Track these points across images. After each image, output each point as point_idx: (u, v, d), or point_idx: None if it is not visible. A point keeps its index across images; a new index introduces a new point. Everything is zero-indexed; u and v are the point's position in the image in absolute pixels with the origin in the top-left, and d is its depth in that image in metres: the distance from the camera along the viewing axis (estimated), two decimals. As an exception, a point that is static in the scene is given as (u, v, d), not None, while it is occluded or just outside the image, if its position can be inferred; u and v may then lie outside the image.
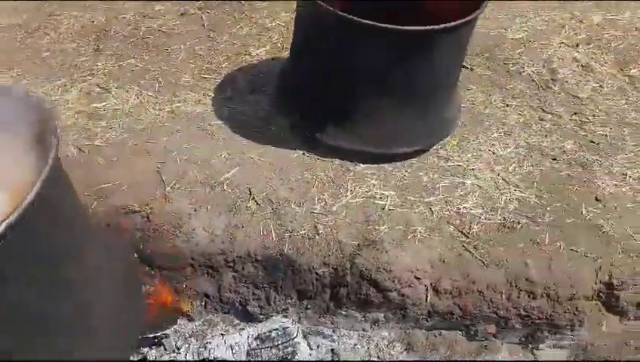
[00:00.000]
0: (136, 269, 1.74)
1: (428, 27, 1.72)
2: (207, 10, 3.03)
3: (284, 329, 1.75)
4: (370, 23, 1.75)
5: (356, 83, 1.97)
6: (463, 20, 1.75)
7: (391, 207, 1.96)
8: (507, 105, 2.45)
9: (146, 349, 1.74)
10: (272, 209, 1.93)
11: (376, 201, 1.98)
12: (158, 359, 1.67)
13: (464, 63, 2.64)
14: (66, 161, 2.05)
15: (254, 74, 2.59)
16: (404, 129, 2.06)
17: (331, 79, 2.02)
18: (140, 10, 2.99)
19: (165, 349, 1.74)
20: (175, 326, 1.85)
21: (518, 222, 1.92)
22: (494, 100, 2.48)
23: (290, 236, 1.85)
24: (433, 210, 1.96)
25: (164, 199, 1.93)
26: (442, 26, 1.72)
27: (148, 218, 1.87)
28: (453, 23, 1.72)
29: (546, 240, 1.87)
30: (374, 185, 2.04)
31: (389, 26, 1.74)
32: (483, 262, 1.82)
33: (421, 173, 2.11)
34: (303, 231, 1.87)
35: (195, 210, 1.90)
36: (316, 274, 1.82)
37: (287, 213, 1.92)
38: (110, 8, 2.97)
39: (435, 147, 2.22)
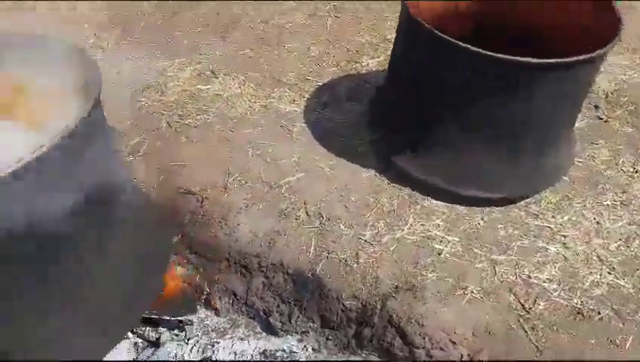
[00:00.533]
0: (162, 245, 1.76)
1: (524, 59, 1.47)
2: (337, 13, 3.02)
3: (290, 352, 1.65)
4: (461, 44, 1.55)
5: (440, 108, 1.78)
6: (566, 60, 1.46)
7: (448, 255, 1.73)
8: (636, 172, 2.02)
9: (164, 329, 1.77)
10: (320, 224, 1.82)
11: (434, 244, 1.76)
12: (166, 343, 1.69)
13: (599, 113, 2.25)
14: (153, 133, 2.19)
15: (358, 83, 2.50)
16: (487, 170, 1.81)
17: (416, 100, 1.85)
18: (275, 6, 3.08)
19: (182, 334, 1.75)
20: (202, 317, 1.85)
21: (599, 313, 1.56)
22: (622, 162, 2.06)
23: (327, 257, 1.74)
24: (497, 270, 1.69)
25: (223, 189, 1.95)
26: (542, 61, 1.45)
27: (201, 203, 1.90)
28: (554, 61, 1.44)
29: (628, 344, 1.49)
30: (438, 226, 1.82)
31: (480, 50, 1.52)
32: (537, 347, 1.51)
33: (499, 226, 1.83)
34: (343, 256, 1.73)
35: (246, 206, 1.89)
36: (343, 305, 1.68)
37: (333, 232, 1.80)
38: (248, 1, 3.11)
39: (527, 200, 1.91)
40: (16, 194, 1.11)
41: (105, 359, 1.57)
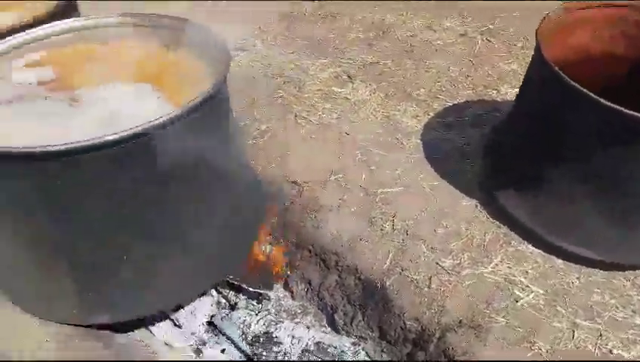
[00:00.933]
0: (255, 221, 1.93)
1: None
2: (488, 37, 2.94)
3: (341, 351, 1.70)
4: (589, 94, 1.45)
5: (558, 152, 1.67)
6: None
7: (526, 305, 1.62)
8: None
9: (243, 297, 1.94)
10: (403, 240, 1.84)
11: (515, 290, 1.66)
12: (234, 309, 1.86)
13: None
14: (280, 123, 2.39)
15: (488, 110, 2.43)
16: (595, 227, 1.65)
17: (535, 139, 1.76)
18: (429, 21, 3.10)
19: (257, 306, 1.91)
20: (280, 296, 2.00)
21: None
22: None
23: (400, 273, 1.75)
24: (576, 335, 1.54)
25: (322, 185, 2.06)
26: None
27: (300, 194, 2.04)
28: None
29: None
30: (526, 273, 1.71)
31: (606, 103, 1.41)
32: None
33: (595, 290, 1.66)
34: (416, 277, 1.73)
35: (338, 206, 1.98)
36: (404, 323, 1.68)
37: (413, 251, 1.80)
38: (400, 14, 3.18)
39: (638, 271, 1.70)
40: (158, 140, 1.34)
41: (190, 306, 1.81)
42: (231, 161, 1.76)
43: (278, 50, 2.92)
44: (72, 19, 1.80)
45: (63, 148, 1.22)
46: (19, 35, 1.74)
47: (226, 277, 1.90)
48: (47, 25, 1.78)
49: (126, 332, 1.77)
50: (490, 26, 3.01)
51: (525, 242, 1.81)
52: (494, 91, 2.54)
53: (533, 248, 1.79)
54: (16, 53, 1.74)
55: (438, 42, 2.92)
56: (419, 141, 2.27)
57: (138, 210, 1.46)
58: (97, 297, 1.56)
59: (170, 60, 1.74)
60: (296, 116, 2.42)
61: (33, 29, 1.76)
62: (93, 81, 1.63)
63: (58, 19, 1.83)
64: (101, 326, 1.65)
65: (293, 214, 2.00)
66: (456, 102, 2.49)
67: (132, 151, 1.31)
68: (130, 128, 1.27)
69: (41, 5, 1.98)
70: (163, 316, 1.84)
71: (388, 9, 3.22)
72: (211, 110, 1.52)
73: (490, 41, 2.91)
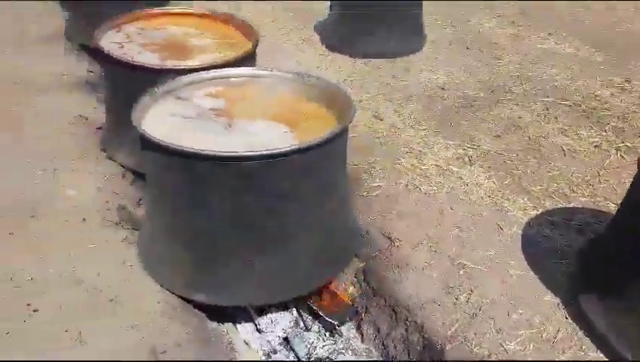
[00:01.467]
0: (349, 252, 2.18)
1: None
2: (623, 154, 2.91)
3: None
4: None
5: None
6: None
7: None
8: None
9: (319, 325, 2.16)
10: (473, 314, 1.93)
11: (572, 391, 1.66)
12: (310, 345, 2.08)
13: None
14: (392, 185, 2.63)
15: (601, 220, 2.41)
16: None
17: (623, 255, 1.77)
18: (565, 127, 3.16)
19: (327, 334, 2.12)
20: (350, 335, 2.18)
21: None
22: None
23: (461, 342, 1.84)
24: None
25: (413, 246, 2.24)
26: None
27: (391, 248, 2.24)
28: None
29: None
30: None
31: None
32: None
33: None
34: (476, 350, 1.81)
35: (422, 268, 2.14)
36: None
37: (480, 327, 1.88)
38: (538, 115, 3.28)
39: None
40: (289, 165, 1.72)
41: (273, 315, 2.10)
42: (338, 198, 2.05)
43: (411, 122, 3.21)
44: (244, 68, 2.30)
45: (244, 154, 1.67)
46: (207, 72, 2.28)
47: (312, 290, 2.12)
48: (228, 69, 2.30)
49: (217, 321, 2.10)
50: (629, 144, 2.98)
51: (598, 351, 1.79)
52: (614, 205, 2.52)
53: (604, 358, 1.76)
54: (203, 85, 2.27)
55: (568, 148, 2.96)
56: (519, 232, 2.34)
57: (259, 214, 1.81)
58: (206, 279, 1.92)
59: (305, 107, 2.13)
60: (408, 183, 2.65)
61: (219, 70, 2.29)
62: (246, 115, 2.07)
63: (239, 66, 2.35)
64: (200, 308, 2.00)
65: (380, 264, 2.20)
66: (569, 206, 2.51)
67: (269, 166, 1.69)
68: (275, 148, 1.66)
69: (230, 54, 2.54)
70: (249, 318, 2.14)
71: (527, 109, 3.35)
72: (332, 149, 1.85)
73: (624, 158, 2.88)
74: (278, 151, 1.68)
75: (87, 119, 3.03)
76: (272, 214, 1.83)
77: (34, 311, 1.84)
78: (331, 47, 4.13)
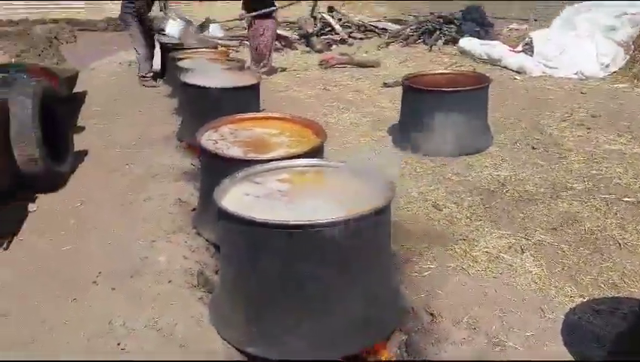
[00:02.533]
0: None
1: None
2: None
3: None
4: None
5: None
6: None
7: None
8: None
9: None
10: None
11: None
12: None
13: None
14: (442, 268, 2.84)
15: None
16: None
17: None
18: (624, 222, 3.19)
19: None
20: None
21: None
22: None
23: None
24: None
25: (454, 323, 2.39)
26: None
27: (432, 323, 2.41)
28: None
29: None
30: None
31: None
32: None
33: None
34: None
35: (460, 344, 2.27)
36: None
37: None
38: (597, 209, 3.34)
39: None
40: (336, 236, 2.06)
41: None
42: (382, 272, 2.32)
43: (468, 213, 3.42)
44: (309, 159, 2.74)
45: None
46: (279, 162, 2.75)
47: (353, 352, 2.31)
48: (296, 159, 2.76)
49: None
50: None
51: None
52: (667, 298, 2.50)
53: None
54: (275, 172, 2.73)
55: (625, 241, 2.99)
56: (561, 317, 2.41)
57: (305, 278, 2.12)
58: (257, 334, 2.23)
59: (354, 189, 2.48)
60: (457, 266, 2.84)
61: (288, 161, 2.76)
62: (306, 196, 2.47)
63: (304, 157, 2.80)
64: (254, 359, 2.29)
65: (421, 337, 2.37)
66: (617, 296, 2.54)
67: (315, 235, 2.03)
68: (321, 219, 2.02)
69: (294, 151, 3.01)
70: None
71: (586, 204, 3.44)
72: (375, 224, 2.17)
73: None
74: (322, 221, 2.03)
75: (184, 202, 3.61)
76: (317, 279, 2.14)
77: (122, 349, 2.25)
78: (401, 147, 4.53)
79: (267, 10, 7.44)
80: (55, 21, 12.32)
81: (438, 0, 12.34)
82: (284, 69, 8.04)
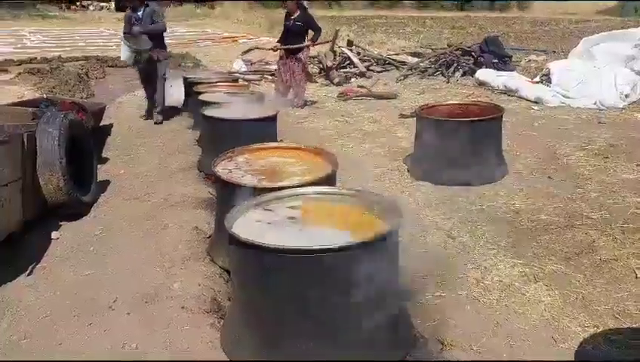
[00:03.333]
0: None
1: None
2: None
3: None
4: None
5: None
6: None
7: None
8: None
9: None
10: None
11: None
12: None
13: None
14: (452, 296, 2.83)
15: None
16: None
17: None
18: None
19: None
20: None
21: None
22: None
23: None
24: None
25: (463, 350, 2.38)
26: None
27: (442, 351, 2.40)
28: None
29: None
30: None
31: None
32: None
33: None
34: None
35: (468, 371, 2.26)
36: None
37: None
38: (614, 239, 3.30)
39: None
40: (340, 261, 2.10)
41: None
42: (388, 300, 2.33)
43: (481, 242, 3.41)
44: (319, 187, 2.80)
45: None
46: (290, 190, 2.82)
47: None
48: (306, 187, 2.82)
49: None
50: None
51: None
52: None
53: None
54: (286, 199, 2.79)
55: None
56: (574, 346, 2.37)
57: (313, 302, 2.15)
58: (268, 356, 2.26)
59: (364, 217, 2.53)
60: (469, 294, 2.83)
61: (299, 188, 2.82)
62: (316, 222, 2.53)
63: (316, 185, 2.86)
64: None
65: (430, 366, 2.36)
66: (632, 326, 2.49)
67: (320, 260, 2.08)
68: (336, 243, 2.07)
69: (306, 179, 3.08)
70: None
71: (603, 234, 3.40)
72: (383, 249, 2.20)
73: None
74: (330, 247, 2.08)
75: (200, 230, 3.69)
76: (326, 304, 2.17)
77: (134, 371, 2.30)
78: (416, 176, 4.57)
79: (302, 45, 7.69)
80: (86, 58, 12.83)
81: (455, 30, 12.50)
82: (313, 102, 8.19)
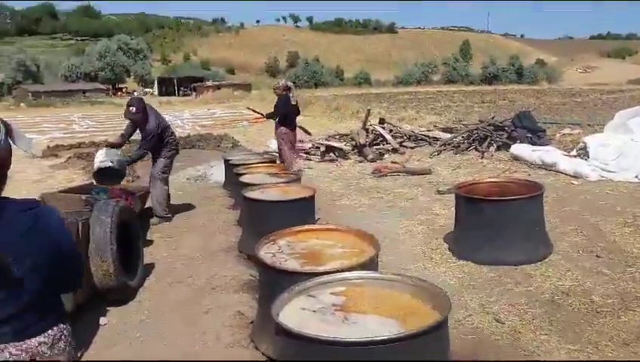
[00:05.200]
0: None
1: None
2: None
3: None
4: None
5: None
6: None
7: None
8: None
9: None
10: None
11: None
12: None
13: None
14: None
15: None
16: None
17: None
18: None
19: None
20: None
21: None
22: None
23: None
24: None
25: None
26: None
27: None
28: None
29: None
30: None
31: None
32: None
33: None
34: None
35: None
36: None
37: None
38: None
39: None
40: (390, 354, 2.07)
41: None
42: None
43: (532, 327, 3.29)
44: (363, 271, 2.81)
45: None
46: (333, 275, 2.83)
47: None
48: (350, 272, 2.83)
49: None
50: None
51: None
52: None
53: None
54: (329, 285, 2.80)
55: None
56: None
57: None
58: None
59: (410, 303, 2.50)
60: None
61: (342, 273, 2.84)
62: (361, 310, 2.51)
63: (359, 270, 2.87)
64: None
65: None
66: None
67: (370, 353, 2.05)
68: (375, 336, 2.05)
69: (353, 260, 3.10)
70: None
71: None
72: (432, 340, 2.16)
73: None
74: (376, 339, 2.05)
75: (243, 315, 3.70)
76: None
77: None
78: (458, 255, 4.51)
79: (273, 114, 8.28)
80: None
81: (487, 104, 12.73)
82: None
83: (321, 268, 3.05)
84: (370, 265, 3.08)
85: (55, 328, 1.66)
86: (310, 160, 10.72)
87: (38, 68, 56.56)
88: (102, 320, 3.61)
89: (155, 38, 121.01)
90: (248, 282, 4.34)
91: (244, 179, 5.99)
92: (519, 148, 8.51)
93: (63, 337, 1.69)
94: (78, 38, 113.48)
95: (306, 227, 3.78)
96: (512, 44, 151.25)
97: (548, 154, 7.97)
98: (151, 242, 5.47)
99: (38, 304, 1.60)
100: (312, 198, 5.05)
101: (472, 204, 4.39)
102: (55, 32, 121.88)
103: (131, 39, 66.56)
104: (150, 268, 4.62)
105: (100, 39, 73.56)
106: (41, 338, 1.61)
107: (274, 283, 3.07)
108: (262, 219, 4.83)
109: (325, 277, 2.81)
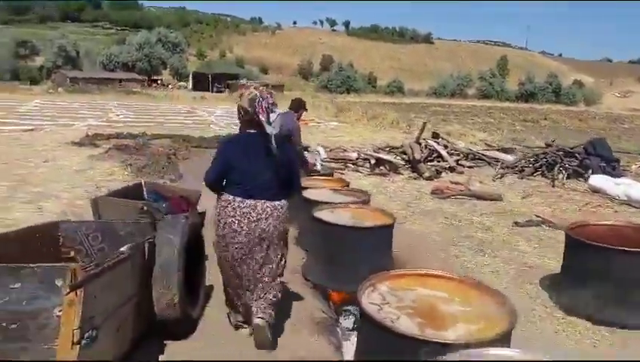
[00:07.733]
0: None
1: None
2: None
3: None
4: None
5: None
6: None
7: None
8: None
9: None
10: None
11: None
12: None
13: None
14: None
15: None
16: None
17: None
18: None
19: None
20: None
21: None
22: None
23: None
24: None
25: None
26: None
27: None
28: None
29: None
30: None
31: None
32: None
33: None
34: None
35: None
36: None
37: None
38: None
39: None
40: None
41: None
42: None
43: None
44: (504, 349, 2.18)
45: None
46: (469, 351, 2.21)
47: None
48: (487, 348, 2.21)
49: None
50: None
51: None
52: None
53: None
54: None
55: None
56: None
57: None
58: None
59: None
60: None
61: (476, 350, 2.21)
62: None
63: (496, 346, 2.24)
64: None
65: None
66: None
67: None
68: None
69: (478, 329, 2.47)
70: None
71: None
72: None
73: None
74: None
75: (324, 367, 3.10)
76: None
77: None
78: (568, 310, 3.82)
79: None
80: (171, 137, 13.13)
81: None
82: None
83: (446, 335, 2.43)
84: (504, 339, 2.45)
85: (284, 201, 3.26)
86: (359, 171, 10.14)
87: (77, 54, 57.38)
88: (161, 358, 3.04)
89: (192, 33, 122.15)
90: (321, 321, 3.75)
91: (309, 194, 5.40)
92: (599, 181, 7.75)
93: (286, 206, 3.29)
94: (119, 28, 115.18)
95: (408, 271, 3.15)
96: (549, 63, 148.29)
97: (632, 189, 7.20)
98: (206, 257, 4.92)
99: (281, 187, 3.24)
100: (391, 226, 4.45)
101: (595, 252, 3.70)
102: (97, 21, 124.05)
103: (170, 32, 67.11)
104: (209, 290, 4.05)
105: (140, 30, 74.30)
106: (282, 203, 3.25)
107: (385, 346, 2.47)
108: (335, 246, 4.25)
109: (458, 354, 2.19)
